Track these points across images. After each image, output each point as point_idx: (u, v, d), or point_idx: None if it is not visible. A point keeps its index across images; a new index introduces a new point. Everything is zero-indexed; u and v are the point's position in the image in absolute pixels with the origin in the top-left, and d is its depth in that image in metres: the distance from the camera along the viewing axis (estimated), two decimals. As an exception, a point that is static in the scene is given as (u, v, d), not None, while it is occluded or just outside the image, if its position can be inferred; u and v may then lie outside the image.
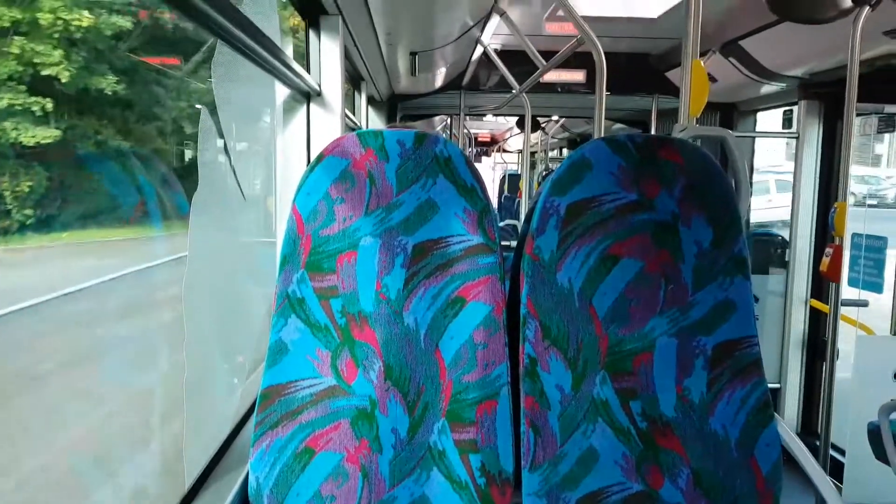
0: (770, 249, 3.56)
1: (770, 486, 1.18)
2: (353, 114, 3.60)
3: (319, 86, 1.88)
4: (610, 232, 1.23)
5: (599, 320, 1.22)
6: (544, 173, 6.65)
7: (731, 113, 3.85)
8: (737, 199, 1.26)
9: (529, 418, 1.18)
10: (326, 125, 1.92)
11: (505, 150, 12.89)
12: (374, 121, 4.51)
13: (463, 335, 1.21)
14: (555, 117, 7.00)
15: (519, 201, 7.32)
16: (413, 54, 3.31)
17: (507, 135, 10.81)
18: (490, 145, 12.38)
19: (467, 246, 1.24)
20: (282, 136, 1.90)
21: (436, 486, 1.17)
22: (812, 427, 3.26)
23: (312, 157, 1.77)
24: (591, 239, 1.22)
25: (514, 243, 2.23)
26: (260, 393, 1.18)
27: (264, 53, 1.43)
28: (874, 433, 1.71)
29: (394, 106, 4.65)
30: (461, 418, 1.18)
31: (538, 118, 7.10)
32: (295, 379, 1.19)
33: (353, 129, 2.61)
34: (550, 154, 10.46)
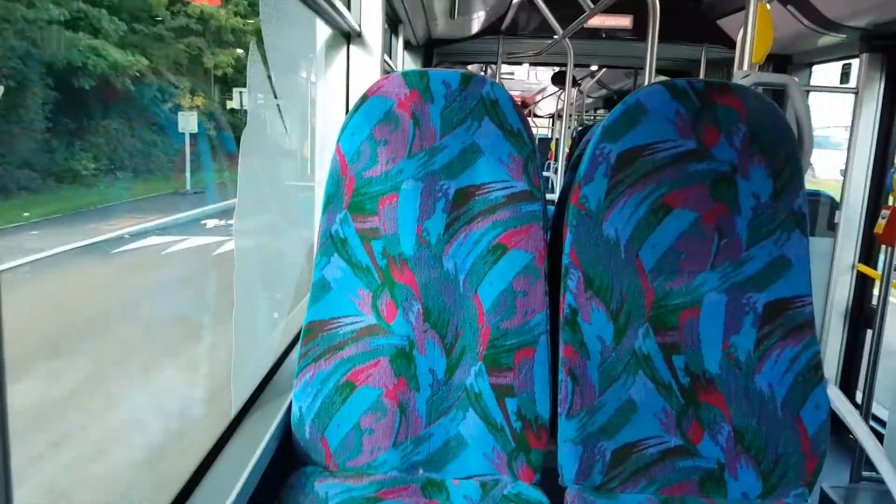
0: (817, 211, 3.44)
1: (815, 447, 1.15)
2: (391, 58, 3.53)
3: (360, 26, 1.84)
4: (663, 181, 1.18)
5: (646, 273, 1.18)
6: (580, 128, 6.47)
7: (784, 65, 3.68)
8: (800, 151, 1.20)
9: (568, 367, 1.17)
10: (365, 68, 1.88)
11: (535, 115, 12.56)
12: (409, 67, 4.42)
13: (503, 282, 1.19)
14: (593, 67, 6.77)
15: (549, 163, 7.17)
16: (454, -7, 3.21)
17: (539, 97, 10.54)
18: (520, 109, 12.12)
19: (511, 192, 1.21)
20: (322, 80, 1.87)
21: (471, 426, 1.17)
22: (850, 395, 3.20)
23: (352, 101, 1.74)
24: (643, 188, 1.18)
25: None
26: (304, 327, 1.19)
27: None
28: None
29: (430, 52, 4.54)
30: (498, 363, 1.18)
31: (574, 75, 6.89)
32: (337, 315, 1.19)
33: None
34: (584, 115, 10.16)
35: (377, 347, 1.19)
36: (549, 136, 11.72)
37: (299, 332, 1.22)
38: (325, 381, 1.18)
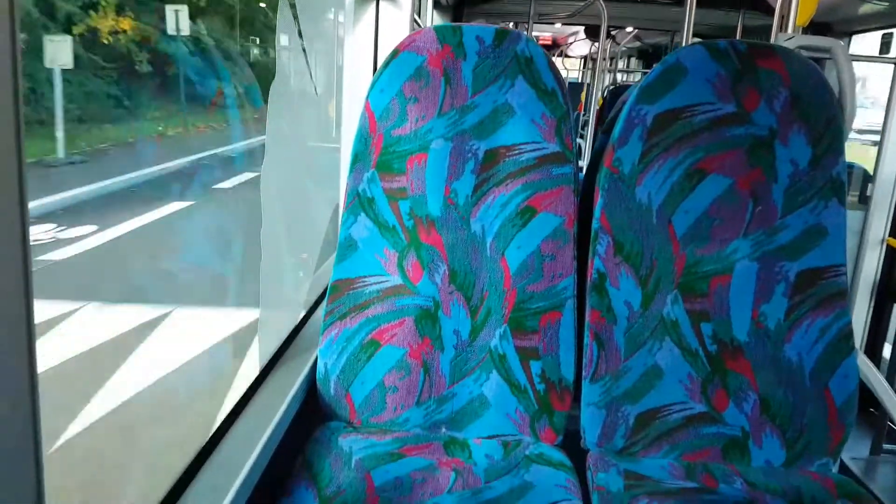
0: (849, 183, 3.35)
1: (842, 418, 1.15)
2: (419, 17, 3.47)
3: None
4: (700, 145, 1.15)
5: (678, 239, 1.17)
6: (612, 87, 6.31)
7: (823, 33, 3.56)
8: (841, 117, 1.16)
9: (594, 331, 1.16)
10: (395, 27, 1.85)
11: (567, 56, 12.20)
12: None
13: (530, 245, 1.18)
14: (629, 29, 6.60)
15: (578, 115, 6.97)
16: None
17: (571, 39, 10.26)
18: (551, 49, 11.61)
19: (542, 154, 1.19)
20: (349, 39, 1.85)
21: (495, 387, 1.18)
22: None
23: (380, 59, 1.71)
24: (678, 152, 1.16)
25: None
26: (330, 285, 1.20)
27: None
28: None
29: (460, 11, 4.45)
30: (524, 326, 1.17)
31: (610, 27, 6.69)
32: (363, 275, 1.20)
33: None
34: (619, 65, 9.85)
35: (402, 307, 1.19)
36: (580, 79, 11.36)
37: (325, 290, 1.22)
38: (350, 339, 1.18)
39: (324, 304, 1.21)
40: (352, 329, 1.19)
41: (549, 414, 1.17)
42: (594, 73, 5.15)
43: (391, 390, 1.18)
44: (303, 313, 1.41)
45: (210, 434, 0.97)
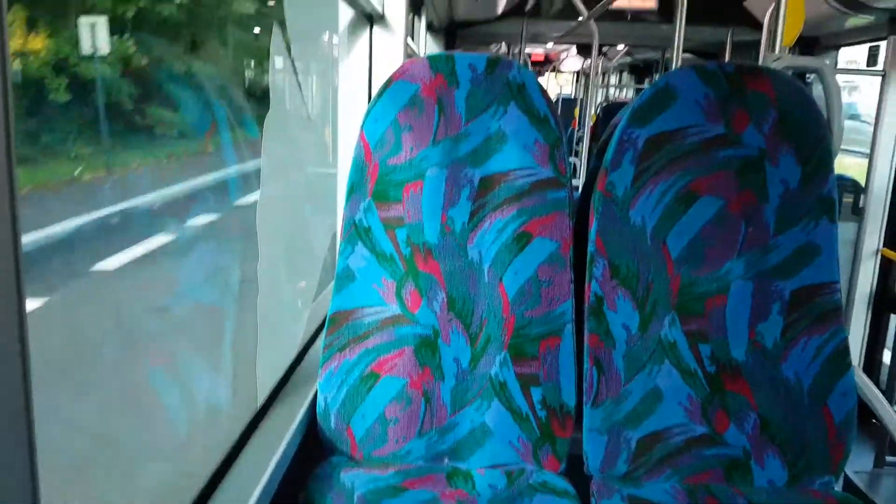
0: (841, 196, 3.38)
1: (842, 435, 1.15)
2: (413, 41, 3.50)
3: (382, 8, 1.82)
4: (690, 168, 1.17)
5: (672, 261, 1.17)
6: (605, 104, 6.35)
7: (811, 47, 3.60)
8: (830, 136, 1.18)
9: (593, 356, 1.16)
10: (388, 51, 1.87)
11: (559, 71, 12.30)
12: (432, 49, 4.38)
13: (528, 271, 1.19)
14: (620, 46, 6.67)
15: (573, 131, 7.00)
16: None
17: (563, 55, 10.35)
18: (544, 65, 11.70)
19: (536, 179, 1.20)
20: (343, 64, 1.86)
21: (496, 415, 1.18)
22: (872, 381, 3.17)
23: (375, 85, 1.72)
24: (670, 175, 1.17)
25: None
26: (328, 317, 1.20)
27: None
28: None
29: (452, 34, 4.50)
30: (523, 352, 1.18)
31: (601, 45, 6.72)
32: (361, 305, 1.20)
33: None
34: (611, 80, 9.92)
35: (401, 337, 1.19)
36: (573, 94, 11.45)
37: (324, 321, 1.22)
38: (349, 371, 1.18)
39: (322, 335, 1.21)
40: (351, 361, 1.18)
41: (551, 441, 1.17)
42: (587, 88, 5.19)
43: (392, 422, 1.18)
44: (301, 346, 1.40)
45: (208, 476, 0.95)
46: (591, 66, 4.55)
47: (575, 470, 1.18)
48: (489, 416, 1.18)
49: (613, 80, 10.29)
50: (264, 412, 1.14)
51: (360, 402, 1.17)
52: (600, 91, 9.10)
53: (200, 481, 0.93)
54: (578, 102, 8.79)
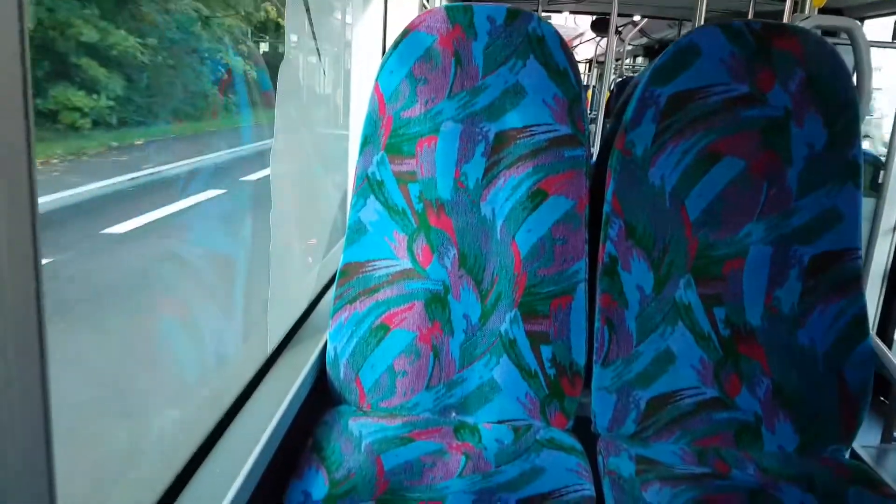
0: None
1: (856, 403, 1.13)
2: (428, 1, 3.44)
3: None
4: (714, 127, 1.14)
5: (690, 223, 1.15)
6: (619, 80, 6.25)
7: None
8: (858, 99, 1.14)
9: (605, 316, 1.15)
10: (403, 7, 1.83)
11: None
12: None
13: (541, 229, 1.17)
14: (636, 17, 6.54)
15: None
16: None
17: (576, 42, 10.22)
18: None
19: (554, 136, 1.17)
20: (358, 20, 1.83)
21: (505, 371, 1.17)
22: None
23: (389, 39, 1.69)
24: (692, 134, 1.14)
25: None
26: (339, 269, 1.19)
27: None
28: None
29: None
30: (534, 310, 1.16)
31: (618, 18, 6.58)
32: (373, 258, 1.19)
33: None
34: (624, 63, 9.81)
35: (412, 291, 1.18)
36: (585, 83, 11.37)
37: (335, 274, 1.21)
38: (359, 323, 1.18)
39: (333, 287, 1.20)
40: (361, 313, 1.18)
41: (559, 398, 1.17)
42: (600, 77, 5.11)
43: (401, 374, 1.17)
44: (312, 297, 1.40)
45: (217, 418, 0.96)
46: (607, 41, 4.46)
47: (582, 429, 1.18)
48: (497, 372, 1.18)
49: (628, 62, 10.15)
50: (274, 360, 1.15)
51: (370, 353, 1.17)
52: (613, 76, 9.01)
53: (211, 420, 0.94)
54: (591, 90, 8.71)
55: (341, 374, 1.17)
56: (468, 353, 1.18)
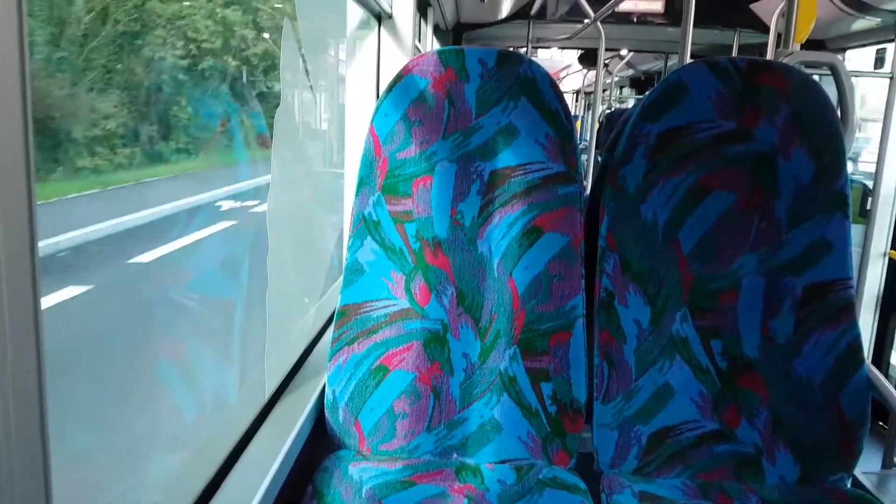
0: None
1: (855, 431, 1.14)
2: (419, 42, 3.52)
3: (391, 7, 1.83)
4: (703, 163, 1.16)
5: (684, 257, 1.17)
6: (608, 111, 6.36)
7: (817, 50, 3.60)
8: (843, 131, 1.17)
9: (604, 351, 1.16)
10: (396, 51, 1.87)
11: None
12: (437, 52, 4.39)
13: (538, 265, 1.18)
14: (623, 52, 6.69)
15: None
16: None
17: (563, 73, 10.41)
18: None
19: (547, 174, 1.19)
20: (352, 63, 1.87)
21: (505, 410, 1.17)
22: None
23: (382, 85, 1.73)
24: (682, 170, 1.16)
25: None
26: (337, 310, 1.19)
27: None
28: None
29: (458, 36, 4.51)
30: (533, 347, 1.17)
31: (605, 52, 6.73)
32: (370, 299, 1.19)
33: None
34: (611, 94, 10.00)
35: (410, 331, 1.19)
36: (574, 112, 11.56)
37: (332, 315, 1.21)
38: (358, 365, 1.17)
39: (331, 329, 1.20)
40: (360, 354, 1.18)
41: (561, 436, 1.16)
42: (588, 102, 5.22)
43: (401, 416, 1.17)
44: (310, 339, 1.40)
45: (216, 468, 0.95)
46: (596, 73, 4.55)
47: (585, 466, 1.17)
48: (498, 411, 1.17)
49: (615, 94, 10.36)
50: (272, 405, 1.14)
51: (369, 396, 1.17)
52: (601, 106, 9.16)
53: (210, 470, 0.93)
54: (579, 119, 8.83)
55: (340, 418, 1.17)
56: (468, 393, 1.18)
